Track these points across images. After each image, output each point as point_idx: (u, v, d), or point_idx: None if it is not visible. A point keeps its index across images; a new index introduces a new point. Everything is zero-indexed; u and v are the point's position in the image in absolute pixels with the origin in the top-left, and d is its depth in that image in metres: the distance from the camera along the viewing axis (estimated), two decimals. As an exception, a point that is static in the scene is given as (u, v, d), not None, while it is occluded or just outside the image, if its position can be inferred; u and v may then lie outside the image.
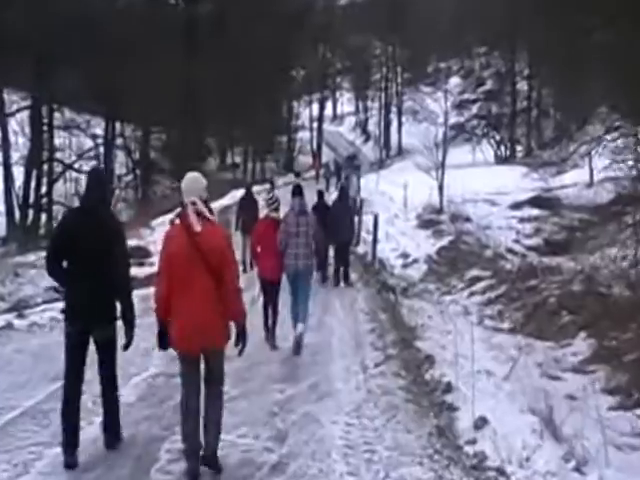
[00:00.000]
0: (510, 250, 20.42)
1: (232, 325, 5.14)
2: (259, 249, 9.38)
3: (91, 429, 6.04)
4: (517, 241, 21.48)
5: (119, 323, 5.54)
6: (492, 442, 5.75)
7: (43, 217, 27.68)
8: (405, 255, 19.91)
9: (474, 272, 15.97)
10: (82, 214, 5.46)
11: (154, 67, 29.24)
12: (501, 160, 43.88)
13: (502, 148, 46.51)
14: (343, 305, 12.47)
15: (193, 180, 5.14)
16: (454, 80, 60.61)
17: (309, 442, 5.87)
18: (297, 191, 9.56)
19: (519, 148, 46.19)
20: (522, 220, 23.31)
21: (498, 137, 47.16)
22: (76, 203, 28.16)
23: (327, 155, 52.03)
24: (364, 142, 64.84)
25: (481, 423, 6.10)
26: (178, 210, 5.27)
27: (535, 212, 23.96)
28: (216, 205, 21.14)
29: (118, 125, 34.29)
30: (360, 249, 19.37)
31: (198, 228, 4.88)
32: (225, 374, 5.35)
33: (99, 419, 6.19)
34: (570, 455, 5.81)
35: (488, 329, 11.68)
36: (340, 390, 7.37)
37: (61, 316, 10.36)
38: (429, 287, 16.10)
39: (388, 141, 60.09)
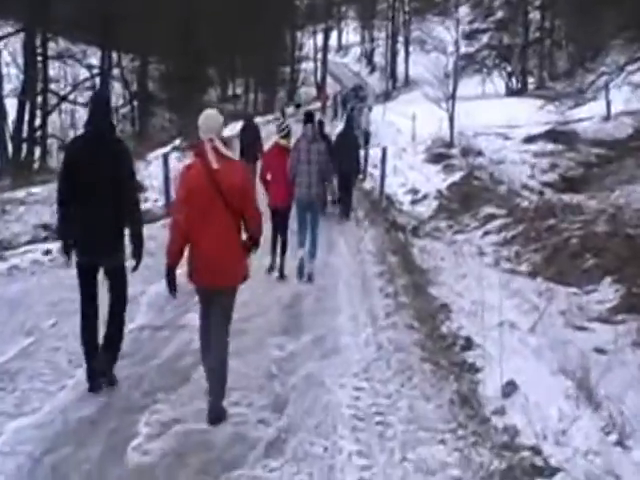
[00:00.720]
0: (525, 186, 19.43)
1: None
2: (269, 177, 9.09)
3: (61, 395, 5.29)
4: (532, 176, 20.43)
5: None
6: (524, 413, 4.97)
7: (37, 151, 26.67)
8: (414, 191, 18.99)
9: (488, 210, 15.00)
10: (87, 141, 5.20)
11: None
12: (512, 92, 42.36)
13: (513, 80, 44.88)
14: (349, 245, 11.61)
15: (210, 117, 4.92)
16: (463, 10, 58.41)
17: (312, 412, 5.09)
18: (309, 118, 9.33)
19: (531, 80, 44.58)
20: (537, 155, 22.18)
21: (509, 68, 45.44)
22: (71, 135, 27.25)
23: (331, 87, 50.61)
24: (370, 73, 63.36)
25: (510, 389, 5.31)
26: (195, 147, 5.03)
27: (550, 146, 22.77)
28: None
29: (115, 55, 32.98)
30: (367, 184, 18.48)
31: (216, 165, 4.74)
32: None
33: (72, 381, 5.48)
34: (610, 426, 5.07)
35: (505, 272, 10.83)
36: (347, 345, 6.57)
37: (45, 258, 9.63)
38: (440, 225, 15.20)
39: (394, 72, 58.59)
